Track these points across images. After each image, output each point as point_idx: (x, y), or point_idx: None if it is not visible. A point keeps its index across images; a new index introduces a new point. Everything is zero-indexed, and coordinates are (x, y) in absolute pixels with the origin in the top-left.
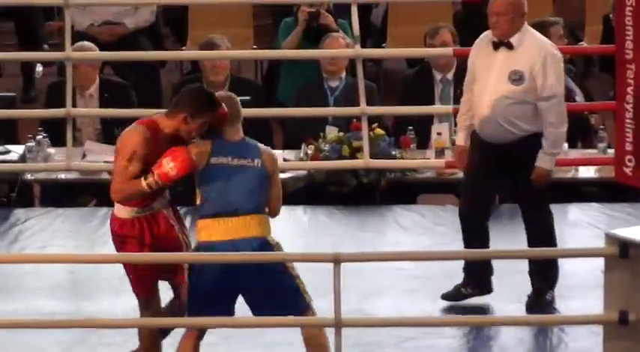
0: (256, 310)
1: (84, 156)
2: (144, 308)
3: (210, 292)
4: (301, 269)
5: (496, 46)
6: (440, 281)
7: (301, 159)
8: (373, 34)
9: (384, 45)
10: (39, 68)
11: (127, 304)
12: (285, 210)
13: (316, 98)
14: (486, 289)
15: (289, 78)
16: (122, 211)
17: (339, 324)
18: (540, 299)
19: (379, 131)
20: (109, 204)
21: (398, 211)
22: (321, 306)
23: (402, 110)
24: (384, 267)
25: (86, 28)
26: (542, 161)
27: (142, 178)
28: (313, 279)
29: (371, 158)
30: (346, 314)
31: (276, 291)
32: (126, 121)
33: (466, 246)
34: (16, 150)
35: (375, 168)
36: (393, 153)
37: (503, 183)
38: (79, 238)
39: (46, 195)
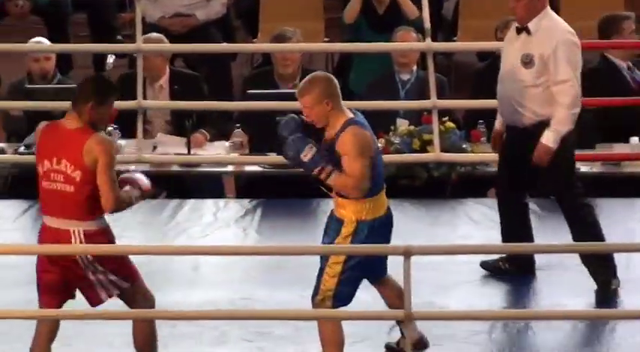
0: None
1: (154, 148)
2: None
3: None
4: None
5: (519, 31)
6: (510, 274)
7: None
8: (444, 27)
9: (454, 38)
10: (110, 60)
11: (200, 296)
12: None
13: (388, 91)
14: (526, 269)
15: (361, 68)
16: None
17: (409, 317)
18: (607, 290)
19: (450, 124)
20: (180, 195)
21: (468, 204)
22: None
23: (473, 103)
24: (455, 260)
25: (157, 19)
26: (546, 137)
27: (122, 191)
28: None
29: (441, 151)
30: (416, 307)
31: None
32: (196, 113)
33: (502, 227)
34: None
35: (445, 162)
36: (464, 146)
37: (526, 166)
38: (150, 230)
39: None
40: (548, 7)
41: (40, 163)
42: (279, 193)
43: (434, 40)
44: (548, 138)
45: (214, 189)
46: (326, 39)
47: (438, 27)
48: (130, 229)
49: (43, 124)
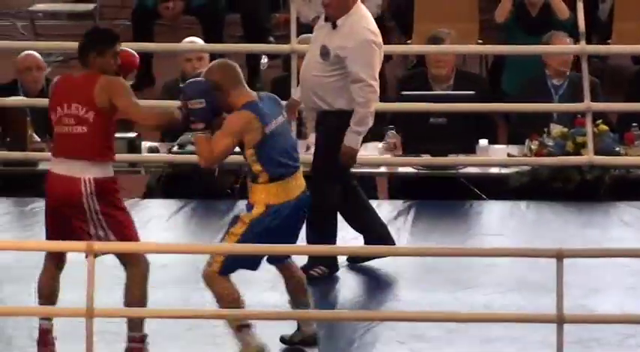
0: None
1: (307, 148)
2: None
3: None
4: (523, 265)
5: (327, 19)
6: None
7: (525, 155)
8: (598, 30)
9: (609, 41)
10: (264, 60)
11: (350, 297)
12: (508, 205)
13: (541, 94)
14: None
15: (514, 70)
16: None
17: (561, 320)
18: None
19: (603, 127)
20: None
21: (622, 208)
22: (544, 302)
23: (628, 106)
24: (608, 263)
25: (311, 20)
26: (348, 139)
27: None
28: (535, 275)
29: (595, 154)
30: (568, 310)
31: None
32: None
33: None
34: None
35: (598, 165)
36: (617, 149)
37: None
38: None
39: None
40: (360, 4)
41: (52, 112)
42: (432, 194)
43: (588, 42)
44: (351, 140)
45: (367, 189)
46: (480, 41)
47: (593, 29)
48: None
49: (56, 78)
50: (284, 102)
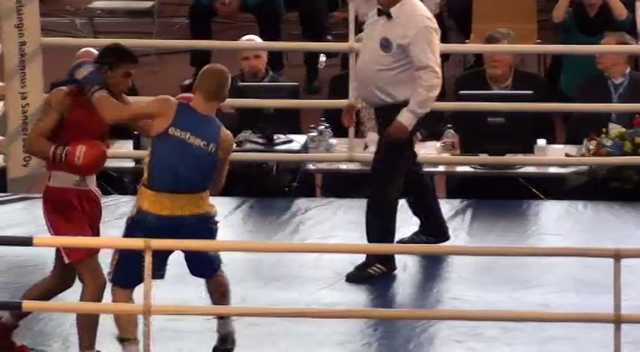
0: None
1: (365, 147)
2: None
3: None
4: (581, 264)
5: (380, 13)
6: None
7: (583, 155)
8: None
9: None
10: (322, 58)
11: (408, 295)
12: (565, 205)
13: (600, 94)
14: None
15: (572, 70)
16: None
17: (618, 320)
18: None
19: None
20: None
21: None
22: (601, 302)
23: None
24: None
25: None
26: (404, 116)
27: (54, 146)
28: (593, 275)
29: None
30: (626, 310)
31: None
32: None
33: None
34: (299, 139)
35: None
36: None
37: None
38: (360, 229)
39: (327, 185)
40: None
41: None
42: (490, 194)
43: None
44: (405, 117)
45: None
46: (538, 41)
47: None
48: (341, 228)
49: None
50: (344, 101)
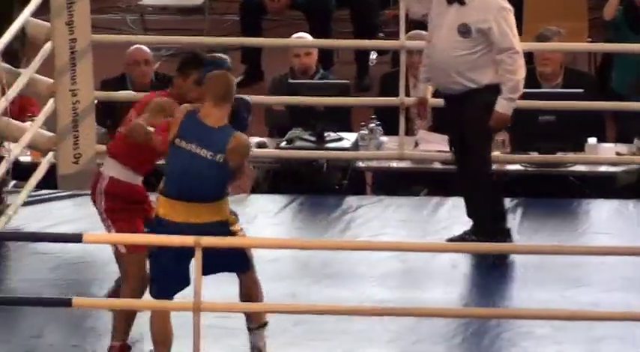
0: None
1: (416, 144)
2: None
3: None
4: (631, 263)
5: (450, 1)
6: None
7: (633, 154)
8: None
9: None
10: (373, 56)
11: (458, 293)
12: (615, 204)
13: None
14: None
15: (622, 69)
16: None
17: None
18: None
19: None
20: (441, 193)
21: None
22: None
23: None
24: None
25: (421, 16)
26: (500, 106)
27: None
28: None
29: None
30: None
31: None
32: None
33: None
34: (349, 137)
35: None
36: None
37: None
38: (410, 227)
39: (378, 183)
40: None
41: None
42: (540, 192)
43: None
44: (503, 106)
45: None
46: (589, 39)
47: None
48: (391, 226)
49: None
50: (394, 99)
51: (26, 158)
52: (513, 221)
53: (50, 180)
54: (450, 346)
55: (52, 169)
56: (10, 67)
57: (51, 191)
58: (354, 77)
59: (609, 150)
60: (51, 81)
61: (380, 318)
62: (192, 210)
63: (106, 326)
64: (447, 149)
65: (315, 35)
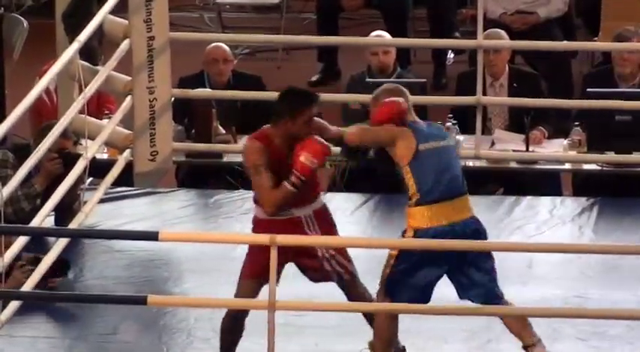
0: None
1: (492, 144)
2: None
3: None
4: None
5: None
6: None
7: None
8: None
9: None
10: (450, 55)
11: (533, 293)
12: None
13: None
14: None
15: None
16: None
17: None
18: None
19: None
20: (517, 192)
21: None
22: None
23: None
24: None
25: (499, 16)
26: None
27: (285, 182)
28: None
29: None
30: None
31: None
32: (535, 111)
33: None
34: None
35: None
36: None
37: None
38: (486, 226)
39: None
40: None
41: None
42: (616, 192)
43: None
44: None
45: (551, 186)
46: None
47: None
48: None
49: None
50: (471, 98)
51: (103, 155)
52: (589, 220)
53: (126, 178)
54: None
55: (129, 167)
56: (88, 64)
57: (126, 188)
58: (431, 76)
59: None
60: (128, 78)
61: (454, 317)
62: (456, 208)
63: (179, 324)
64: (523, 148)
65: (391, 34)
